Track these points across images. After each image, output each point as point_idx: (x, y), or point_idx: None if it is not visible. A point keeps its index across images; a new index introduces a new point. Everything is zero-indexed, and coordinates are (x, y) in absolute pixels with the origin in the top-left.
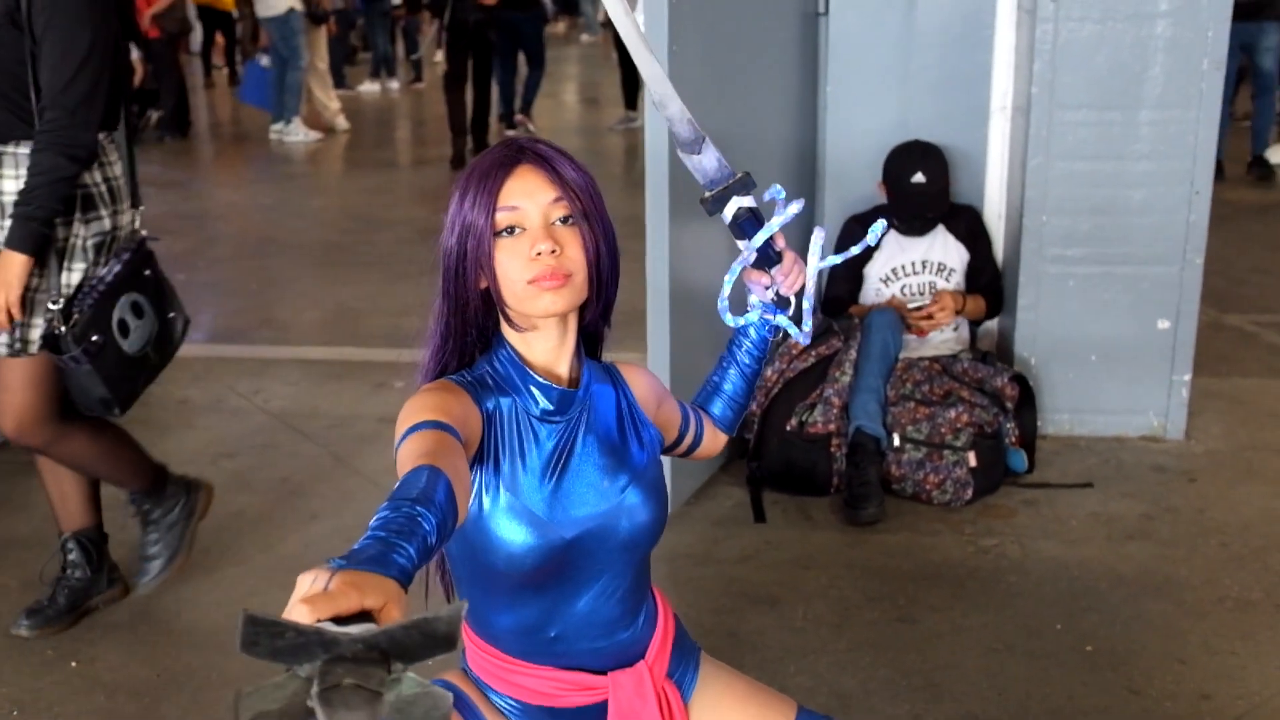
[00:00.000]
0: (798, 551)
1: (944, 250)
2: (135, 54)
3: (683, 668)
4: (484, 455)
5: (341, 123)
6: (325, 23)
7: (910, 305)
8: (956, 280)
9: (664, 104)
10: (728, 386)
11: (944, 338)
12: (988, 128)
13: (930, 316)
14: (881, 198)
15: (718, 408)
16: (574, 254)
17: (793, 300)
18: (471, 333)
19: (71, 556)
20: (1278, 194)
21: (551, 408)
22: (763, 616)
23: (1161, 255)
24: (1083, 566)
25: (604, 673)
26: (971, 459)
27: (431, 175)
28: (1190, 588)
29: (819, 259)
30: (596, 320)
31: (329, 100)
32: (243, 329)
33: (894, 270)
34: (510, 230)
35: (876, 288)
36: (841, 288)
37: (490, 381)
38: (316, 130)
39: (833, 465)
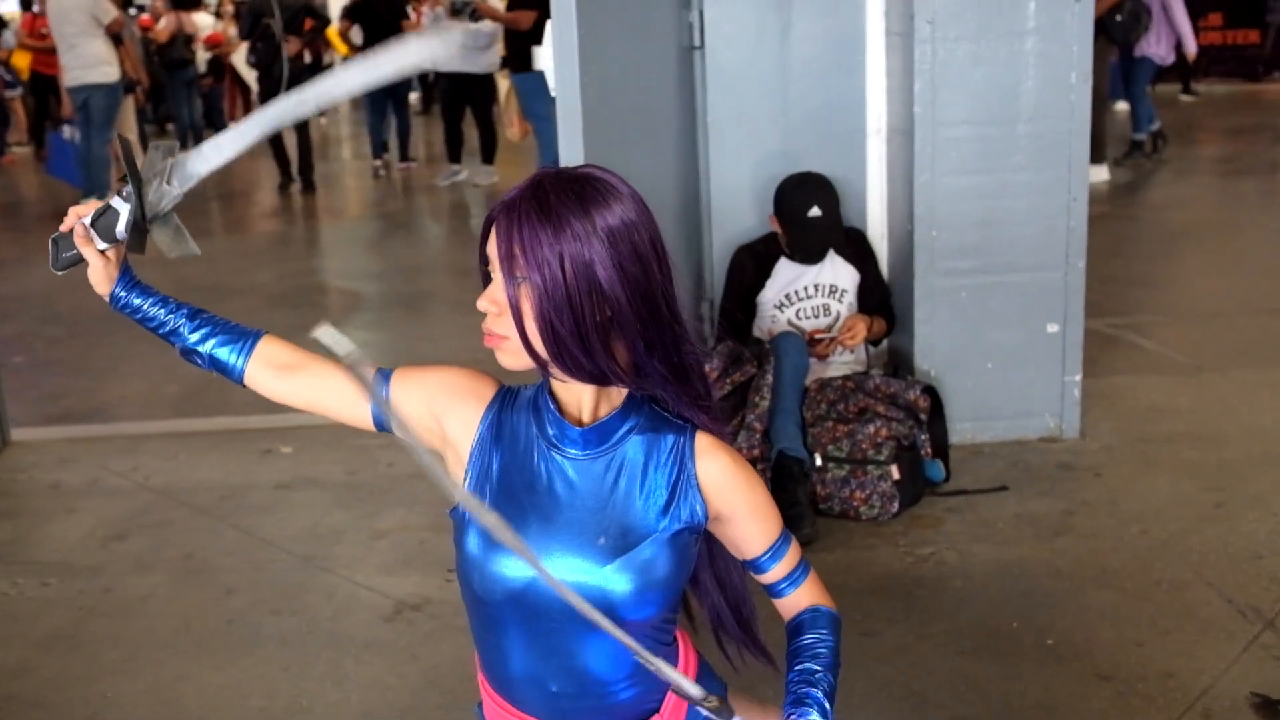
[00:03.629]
0: None
1: (834, 273)
2: None
3: None
4: (485, 465)
5: None
6: (133, 92)
7: (808, 327)
8: (849, 300)
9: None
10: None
11: (844, 359)
12: (865, 150)
13: (834, 341)
14: (773, 228)
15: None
16: (507, 319)
17: None
18: None
19: None
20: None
21: (557, 438)
22: None
23: (1046, 262)
24: (1021, 565)
25: None
26: (895, 472)
27: (260, 241)
28: (1126, 575)
29: None
30: (603, 378)
31: None
32: (100, 407)
33: (788, 295)
34: (488, 281)
35: (772, 314)
36: (735, 316)
37: (533, 398)
38: None
39: None
